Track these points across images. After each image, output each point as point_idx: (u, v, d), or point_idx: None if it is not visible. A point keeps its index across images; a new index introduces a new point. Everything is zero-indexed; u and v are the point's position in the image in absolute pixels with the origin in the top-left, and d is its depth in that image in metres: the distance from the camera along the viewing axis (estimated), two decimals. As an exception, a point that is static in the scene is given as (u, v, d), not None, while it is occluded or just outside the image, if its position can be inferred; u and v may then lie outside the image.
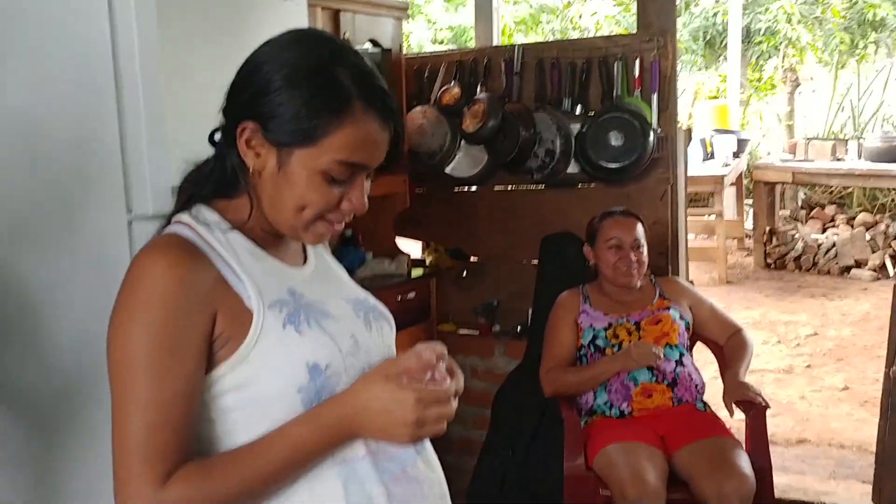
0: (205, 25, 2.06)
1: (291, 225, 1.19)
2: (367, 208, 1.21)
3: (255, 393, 1.14)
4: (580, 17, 10.71)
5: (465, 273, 3.88)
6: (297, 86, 1.14)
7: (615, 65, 3.39)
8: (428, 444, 1.28)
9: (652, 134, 3.32)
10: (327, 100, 1.13)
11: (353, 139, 1.14)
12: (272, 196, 1.18)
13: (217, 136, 1.23)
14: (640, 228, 3.00)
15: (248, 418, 1.15)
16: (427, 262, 3.92)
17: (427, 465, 1.27)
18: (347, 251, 3.61)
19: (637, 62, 3.36)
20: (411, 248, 4.02)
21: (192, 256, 1.14)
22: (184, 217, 1.20)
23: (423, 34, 10.50)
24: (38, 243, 2.08)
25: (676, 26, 3.44)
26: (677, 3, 3.52)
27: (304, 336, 1.16)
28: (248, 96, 1.16)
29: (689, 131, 3.88)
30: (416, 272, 3.72)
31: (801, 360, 5.45)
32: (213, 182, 1.23)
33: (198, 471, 1.10)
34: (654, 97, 3.34)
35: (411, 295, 3.53)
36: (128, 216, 1.98)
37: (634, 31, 3.51)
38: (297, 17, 2.40)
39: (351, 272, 3.51)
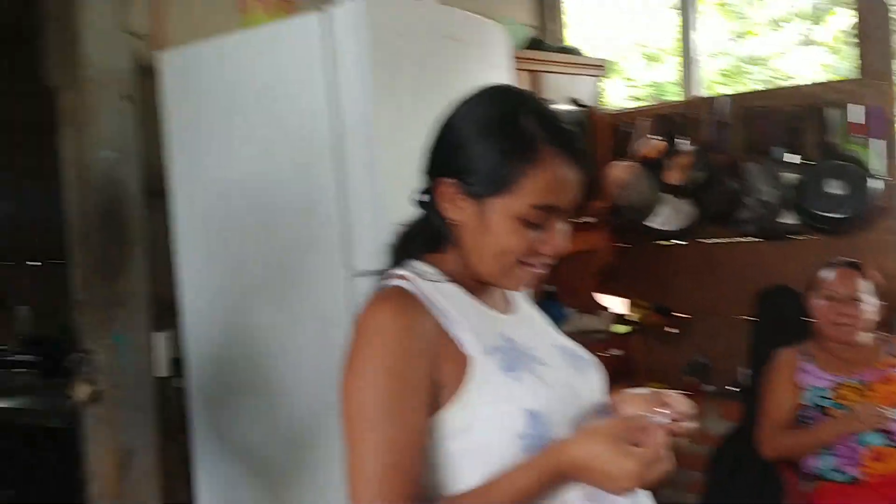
0: (417, 90, 2.14)
1: (493, 272, 1.23)
2: (565, 251, 1.22)
3: (477, 438, 1.16)
4: (789, 66, 10.27)
5: (671, 330, 3.77)
6: (487, 137, 1.19)
7: (831, 111, 3.22)
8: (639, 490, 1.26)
9: (876, 182, 3.11)
10: (516, 147, 1.17)
11: (544, 183, 1.17)
12: (474, 246, 1.23)
13: (421, 197, 1.29)
14: (862, 281, 2.79)
15: (471, 463, 1.16)
16: (631, 318, 3.84)
17: None
18: (550, 307, 3.60)
19: (856, 108, 3.17)
20: (614, 304, 3.95)
21: (413, 306, 1.19)
22: (400, 271, 1.25)
23: (621, 92, 10.43)
24: (267, 299, 2.22)
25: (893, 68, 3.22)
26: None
27: (521, 382, 1.18)
28: (444, 154, 1.23)
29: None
30: (619, 328, 3.66)
31: None
32: (422, 238, 1.29)
33: None
34: (879, 143, 3.13)
35: (615, 352, 3.47)
36: (348, 273, 2.06)
37: (849, 77, 3.34)
38: (503, 80, 2.44)
39: (555, 329, 3.50)
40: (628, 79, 10.68)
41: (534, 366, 1.21)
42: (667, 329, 3.77)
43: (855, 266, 2.83)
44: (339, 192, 2.07)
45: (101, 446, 2.41)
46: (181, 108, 2.33)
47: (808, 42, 10.67)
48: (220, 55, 2.26)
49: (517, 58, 3.06)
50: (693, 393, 3.62)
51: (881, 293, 2.83)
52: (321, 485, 2.15)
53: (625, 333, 3.63)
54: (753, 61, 10.73)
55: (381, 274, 1.30)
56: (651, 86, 10.42)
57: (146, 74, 2.46)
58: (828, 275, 2.81)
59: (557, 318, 3.52)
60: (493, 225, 1.20)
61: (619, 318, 3.79)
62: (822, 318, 2.78)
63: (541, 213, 1.19)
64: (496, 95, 1.25)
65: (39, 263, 5.40)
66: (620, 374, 3.46)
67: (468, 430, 1.16)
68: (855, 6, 3.29)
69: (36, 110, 2.49)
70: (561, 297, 3.70)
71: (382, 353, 1.14)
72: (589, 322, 3.55)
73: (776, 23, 10.76)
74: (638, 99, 10.49)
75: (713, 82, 10.10)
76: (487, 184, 1.19)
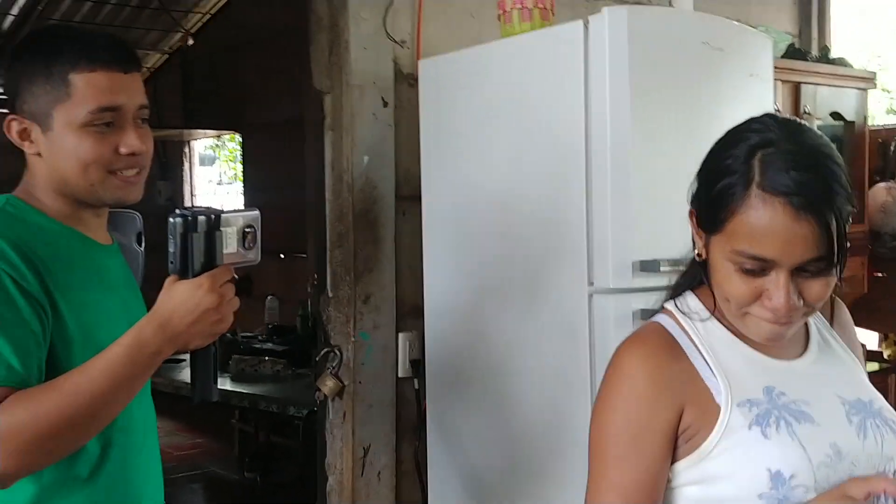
0: (674, 104, 2.07)
1: (729, 316, 1.16)
2: (790, 308, 1.08)
3: (717, 491, 1.12)
4: None
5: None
6: (713, 170, 1.13)
7: None
8: None
9: None
10: (727, 186, 1.10)
11: (749, 229, 1.07)
12: (711, 285, 1.17)
13: None
14: None
15: None
16: (885, 355, 3.57)
17: None
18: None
19: None
20: (867, 338, 3.67)
21: (666, 350, 1.16)
22: (669, 305, 1.22)
23: (877, 104, 9.71)
24: (506, 308, 2.23)
25: None
26: None
27: (769, 440, 1.10)
28: (694, 181, 1.18)
29: None
30: (871, 366, 3.40)
31: None
32: (696, 268, 1.23)
33: None
34: None
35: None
36: (589, 289, 2.03)
37: None
38: (762, 92, 2.32)
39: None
40: (886, 91, 9.94)
41: (792, 422, 1.11)
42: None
43: None
44: (588, 205, 2.03)
45: (341, 440, 2.50)
46: (437, 114, 2.38)
47: None
48: (478, 63, 2.28)
49: (777, 67, 2.91)
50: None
51: None
52: (550, 496, 2.12)
53: (876, 371, 3.36)
54: None
55: (660, 306, 1.25)
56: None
57: (400, 80, 2.54)
58: None
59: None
60: (714, 265, 1.13)
61: (873, 355, 3.52)
62: None
63: (751, 262, 1.08)
64: (748, 124, 1.15)
65: (283, 256, 5.77)
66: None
67: (708, 482, 1.12)
68: None
69: (307, 111, 2.63)
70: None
71: (626, 398, 1.15)
72: (838, 356, 3.31)
73: None
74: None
75: None
76: (706, 220, 1.14)
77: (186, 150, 7.19)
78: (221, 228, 1.23)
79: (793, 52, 3.13)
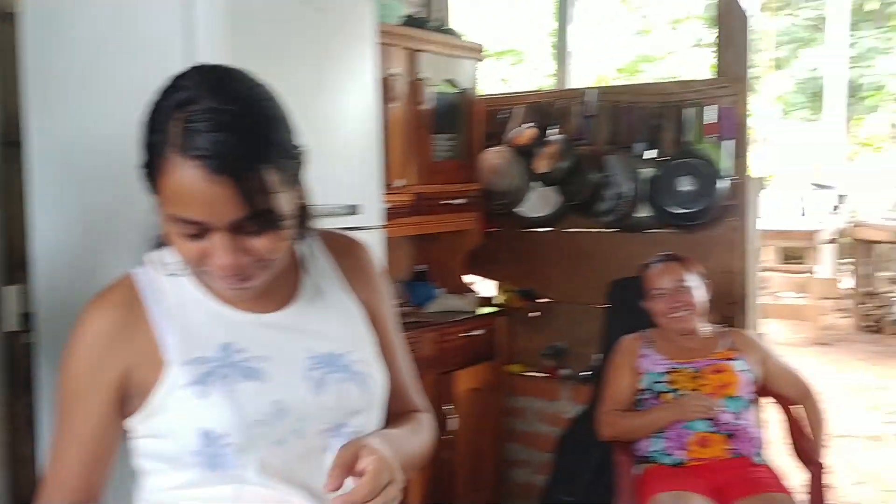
0: (275, 63, 2.14)
1: (195, 275, 1.16)
2: (235, 262, 1.08)
3: (162, 446, 1.17)
4: (681, 65, 10.64)
5: (534, 314, 3.87)
6: (145, 127, 1.09)
7: (688, 110, 3.39)
8: None
9: (722, 181, 3.29)
10: (152, 146, 1.07)
11: (172, 193, 1.04)
12: None
13: None
14: (685, 271, 2.96)
15: (158, 468, 1.19)
16: (497, 300, 3.93)
17: None
18: (419, 286, 3.68)
19: (711, 108, 3.34)
20: (484, 287, 4.04)
21: (123, 308, 1.16)
22: (149, 256, 1.21)
23: (526, 80, 10.60)
24: (126, 251, 2.18)
25: (748, 73, 3.38)
26: (766, 51, 3.48)
27: (204, 400, 1.12)
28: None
29: (760, 180, 3.77)
30: (485, 310, 3.74)
31: (893, 429, 5.20)
32: None
33: None
34: (728, 144, 3.32)
35: (478, 332, 3.56)
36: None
37: (706, 78, 3.52)
38: (365, 54, 2.48)
39: (421, 307, 3.57)
40: (537, 69, 10.88)
41: (238, 380, 1.13)
42: (530, 313, 3.86)
43: (676, 259, 3.00)
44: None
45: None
46: (42, 55, 2.29)
47: (700, 43, 11.06)
48: (86, 2, 2.22)
49: (394, 34, 3.13)
50: (550, 375, 3.76)
51: (712, 284, 3.01)
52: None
53: (489, 315, 3.72)
54: (647, 59, 11.10)
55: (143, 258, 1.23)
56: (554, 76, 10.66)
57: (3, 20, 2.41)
58: (650, 275, 2.99)
59: (426, 298, 3.59)
60: (165, 226, 1.10)
61: (486, 300, 3.87)
62: (657, 312, 2.95)
63: (186, 225, 1.05)
64: (177, 80, 1.09)
65: None
66: (482, 355, 3.58)
67: (157, 437, 1.17)
68: (717, 12, 3.46)
69: None
70: (432, 276, 3.78)
71: (74, 354, 1.17)
72: (455, 302, 3.63)
73: (673, 23, 11.11)
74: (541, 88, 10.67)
75: (608, 77, 10.39)
76: (146, 179, 1.10)
77: None
78: None
79: (411, 21, 3.35)
